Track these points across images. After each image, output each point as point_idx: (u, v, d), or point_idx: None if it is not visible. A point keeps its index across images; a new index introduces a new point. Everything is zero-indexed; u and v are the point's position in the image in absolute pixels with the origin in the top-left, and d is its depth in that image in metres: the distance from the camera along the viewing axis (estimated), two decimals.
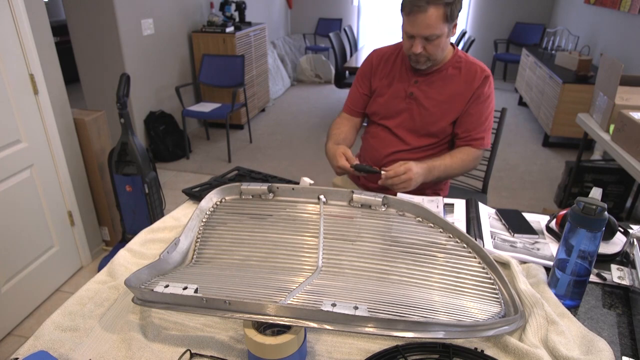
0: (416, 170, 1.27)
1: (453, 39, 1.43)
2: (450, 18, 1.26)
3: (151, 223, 1.17)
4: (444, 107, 1.41)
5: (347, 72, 4.88)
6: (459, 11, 1.28)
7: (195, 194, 1.23)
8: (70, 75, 2.81)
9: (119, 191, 2.28)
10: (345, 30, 5.31)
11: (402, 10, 1.31)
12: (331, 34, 4.55)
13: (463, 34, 4.95)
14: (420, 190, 1.38)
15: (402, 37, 1.36)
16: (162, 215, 2.32)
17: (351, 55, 5.03)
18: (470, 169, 1.45)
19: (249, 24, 4.49)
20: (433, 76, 1.42)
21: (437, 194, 1.55)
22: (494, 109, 1.46)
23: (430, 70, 1.41)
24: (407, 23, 1.30)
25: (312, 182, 1.14)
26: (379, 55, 1.53)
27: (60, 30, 4.28)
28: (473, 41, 4.28)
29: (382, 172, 1.26)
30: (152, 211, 2.31)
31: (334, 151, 1.38)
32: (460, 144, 1.45)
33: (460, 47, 4.60)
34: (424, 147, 1.47)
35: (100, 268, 2.35)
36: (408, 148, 1.48)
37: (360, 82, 1.56)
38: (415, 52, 1.31)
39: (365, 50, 5.02)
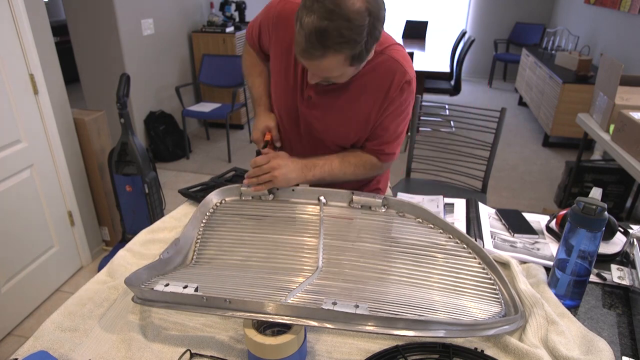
0: (285, 169, 1.04)
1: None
2: (358, 59, 0.91)
3: (151, 223, 1.17)
4: (347, 123, 1.10)
5: None
6: (374, 43, 0.92)
7: (192, 195, 1.23)
8: (70, 75, 2.81)
9: (119, 191, 2.28)
10: None
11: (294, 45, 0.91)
12: None
13: (463, 34, 4.95)
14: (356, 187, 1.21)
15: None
16: (162, 215, 2.32)
17: None
18: (366, 177, 1.21)
19: None
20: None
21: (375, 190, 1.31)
22: (410, 117, 1.15)
23: None
24: (299, 57, 0.92)
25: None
26: (281, 12, 1.08)
27: (60, 30, 4.28)
28: (473, 41, 4.28)
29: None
30: (152, 211, 2.31)
31: (261, 122, 1.16)
32: (367, 151, 1.16)
33: (460, 47, 4.59)
34: (318, 144, 1.18)
35: (100, 268, 2.35)
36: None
37: (260, 26, 1.17)
38: (311, 82, 1.00)
39: None
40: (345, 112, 1.08)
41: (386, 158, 1.16)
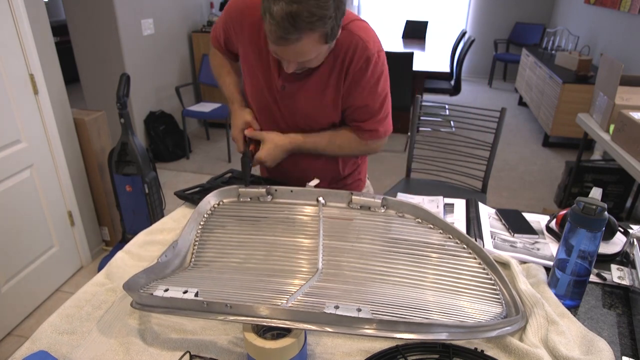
0: (273, 144, 1.12)
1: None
2: (331, 36, 0.93)
3: (151, 223, 1.16)
4: (321, 105, 1.11)
5: None
6: (342, 17, 0.94)
7: (188, 197, 1.22)
8: (70, 75, 2.81)
9: (119, 191, 2.28)
10: None
11: (266, 29, 0.91)
12: None
13: (463, 34, 4.95)
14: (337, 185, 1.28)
15: (270, 48, 0.97)
16: (162, 215, 2.32)
17: None
18: (363, 155, 1.25)
19: None
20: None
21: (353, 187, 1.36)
22: (387, 88, 1.13)
23: None
24: (273, 47, 0.94)
25: (317, 181, 1.14)
26: (242, 10, 1.10)
27: (60, 30, 4.28)
28: (473, 41, 4.28)
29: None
30: (152, 211, 2.31)
31: (238, 119, 1.17)
32: (351, 130, 1.18)
33: (460, 47, 4.59)
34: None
35: (100, 268, 2.35)
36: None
37: (223, 27, 1.18)
38: (289, 72, 1.01)
39: None
40: (317, 94, 1.10)
41: (368, 135, 1.16)
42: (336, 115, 1.15)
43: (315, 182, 1.13)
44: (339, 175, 1.32)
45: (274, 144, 1.15)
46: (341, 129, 1.18)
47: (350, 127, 1.17)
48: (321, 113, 1.13)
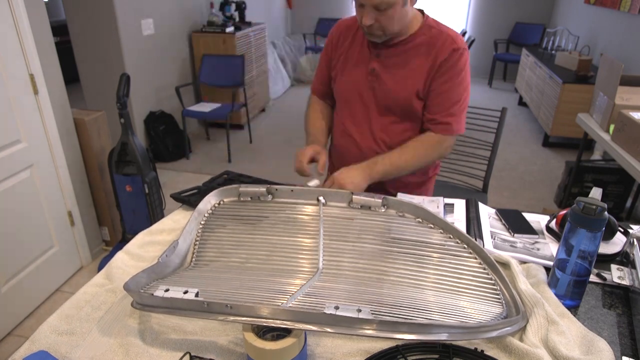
0: (350, 179, 1.15)
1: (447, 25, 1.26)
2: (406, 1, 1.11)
3: (151, 223, 1.16)
4: (404, 82, 1.24)
5: None
6: None
7: (185, 199, 1.22)
8: (70, 75, 2.81)
9: (119, 191, 2.28)
10: None
11: None
12: None
13: (463, 34, 4.95)
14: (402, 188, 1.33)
15: (354, 6, 1.17)
16: (162, 215, 2.32)
17: None
18: (435, 159, 1.30)
19: (249, 24, 4.49)
20: (397, 49, 1.24)
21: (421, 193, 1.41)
22: (467, 89, 1.26)
23: (393, 42, 1.24)
24: None
25: (317, 182, 1.14)
26: (340, 27, 1.34)
27: (60, 30, 4.28)
28: (473, 41, 4.28)
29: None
30: (152, 211, 2.31)
31: (307, 150, 1.26)
32: (425, 129, 1.28)
33: None
34: (390, 126, 1.30)
35: (100, 268, 2.35)
36: (372, 138, 1.32)
37: (324, 58, 1.39)
38: (366, 24, 1.14)
39: None
40: (403, 73, 1.24)
41: (441, 129, 1.25)
42: (419, 91, 1.24)
43: (315, 182, 1.13)
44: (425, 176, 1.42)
45: (347, 168, 1.19)
46: (411, 140, 1.27)
47: (425, 123, 1.27)
48: (404, 87, 1.24)
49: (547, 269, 0.96)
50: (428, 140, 1.25)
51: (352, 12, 1.26)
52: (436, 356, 0.73)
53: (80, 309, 0.85)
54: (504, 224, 1.13)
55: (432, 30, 1.23)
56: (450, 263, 0.90)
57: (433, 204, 1.21)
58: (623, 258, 1.00)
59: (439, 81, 1.21)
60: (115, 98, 2.14)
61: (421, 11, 1.29)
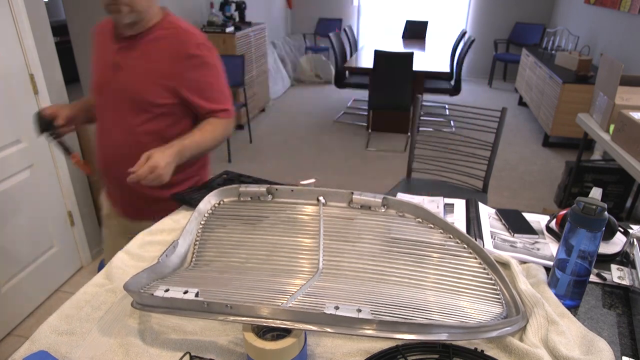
0: (164, 162, 1.16)
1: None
2: None
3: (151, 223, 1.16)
4: (152, 74, 1.27)
5: (347, 72, 4.88)
6: None
7: (184, 199, 1.22)
8: (70, 75, 2.81)
9: None
10: (345, 30, 5.31)
11: None
12: (331, 34, 4.55)
13: (463, 34, 4.95)
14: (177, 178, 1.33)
15: None
16: None
17: (351, 56, 5.03)
18: (223, 139, 1.38)
19: (249, 24, 4.49)
20: (138, 41, 1.28)
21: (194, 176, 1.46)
22: (223, 76, 1.36)
23: (135, 33, 1.28)
24: None
25: (312, 180, 1.14)
26: (98, 27, 1.39)
27: (60, 30, 4.28)
28: (473, 41, 4.28)
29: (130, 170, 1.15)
30: None
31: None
32: (208, 116, 1.35)
33: (460, 47, 4.59)
34: (144, 124, 1.32)
35: (100, 268, 2.35)
36: (128, 133, 1.33)
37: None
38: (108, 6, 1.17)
39: (365, 50, 5.02)
40: (144, 67, 1.28)
41: (225, 115, 1.36)
42: (163, 86, 1.28)
43: (310, 180, 1.13)
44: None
45: (160, 151, 1.19)
46: (201, 123, 1.34)
47: (205, 115, 1.34)
48: (147, 79, 1.28)
49: (547, 269, 0.96)
50: (219, 123, 1.35)
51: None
52: (436, 356, 0.73)
53: (80, 309, 0.85)
54: (504, 224, 1.13)
55: (173, 27, 1.31)
56: (450, 263, 0.90)
57: (433, 204, 1.21)
58: (623, 258, 1.01)
59: (197, 75, 1.29)
60: None
61: (163, 9, 1.38)
